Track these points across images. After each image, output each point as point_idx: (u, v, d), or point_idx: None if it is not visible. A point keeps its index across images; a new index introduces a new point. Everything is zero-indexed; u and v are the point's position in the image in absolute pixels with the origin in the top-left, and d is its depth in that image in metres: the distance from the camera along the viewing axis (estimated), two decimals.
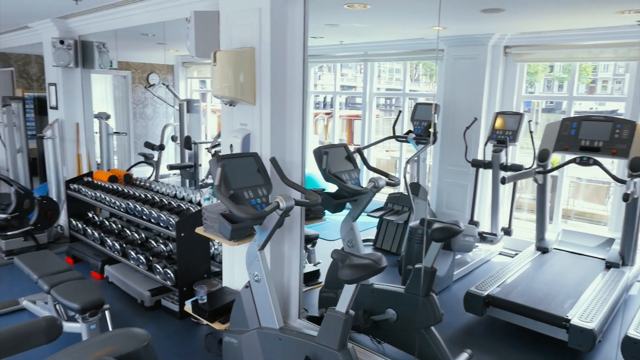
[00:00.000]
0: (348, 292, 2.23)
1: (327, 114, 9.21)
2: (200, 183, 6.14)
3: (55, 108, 5.80)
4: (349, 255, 2.26)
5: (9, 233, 5.06)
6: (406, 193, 4.94)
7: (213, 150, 6.33)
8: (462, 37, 5.09)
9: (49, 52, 5.48)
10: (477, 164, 4.85)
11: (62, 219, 5.58)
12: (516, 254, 4.54)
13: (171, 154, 7.64)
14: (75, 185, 5.05)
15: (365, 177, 5.86)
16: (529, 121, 4.64)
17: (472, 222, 4.84)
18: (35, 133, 7.18)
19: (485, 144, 4.88)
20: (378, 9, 3.98)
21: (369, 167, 3.45)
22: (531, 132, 4.58)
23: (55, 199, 5.59)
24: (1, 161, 8.01)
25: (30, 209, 5.30)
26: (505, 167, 4.63)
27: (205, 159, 6.59)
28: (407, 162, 4.82)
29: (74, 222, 4.99)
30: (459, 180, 5.32)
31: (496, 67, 5.11)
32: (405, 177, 4.70)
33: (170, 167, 6.23)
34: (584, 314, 3.16)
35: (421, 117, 5.13)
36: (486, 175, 4.99)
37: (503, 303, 3.42)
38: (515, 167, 4.58)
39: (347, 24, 4.84)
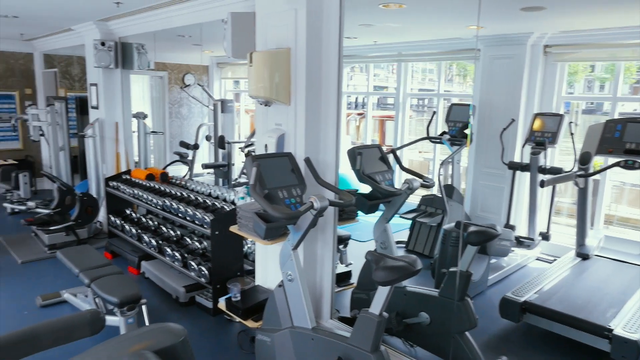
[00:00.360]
0: (382, 294, 2.21)
1: (359, 114, 9.18)
2: (233, 182, 6.23)
3: (96, 108, 5.99)
4: (384, 256, 2.24)
5: (51, 228, 5.26)
6: (440, 195, 4.86)
7: (246, 150, 6.41)
8: (500, 37, 4.98)
9: (91, 54, 5.66)
10: (514, 167, 4.73)
11: (102, 215, 5.76)
12: (554, 260, 4.40)
13: (205, 153, 7.79)
14: (114, 183, 5.20)
15: (398, 179, 5.81)
16: (570, 123, 4.49)
17: (508, 226, 4.72)
18: (77, 132, 7.44)
19: (523, 146, 4.76)
20: (414, 9, 3.94)
21: (403, 168, 3.41)
22: (572, 133, 4.43)
23: (95, 196, 5.77)
24: (45, 159, 8.35)
25: (72, 205, 5.49)
26: (543, 170, 4.50)
27: (238, 158, 6.67)
28: (442, 163, 4.75)
29: (112, 218, 5.14)
30: (495, 182, 5.20)
31: (535, 67, 4.97)
32: (439, 179, 4.63)
33: (205, 166, 6.33)
34: (628, 324, 3.04)
35: (456, 118, 5.04)
36: (523, 178, 4.86)
37: (541, 310, 3.32)
38: (555, 170, 4.44)
39: (382, 24, 4.81)
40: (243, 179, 6.47)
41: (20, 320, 3.72)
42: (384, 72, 8.68)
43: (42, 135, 7.22)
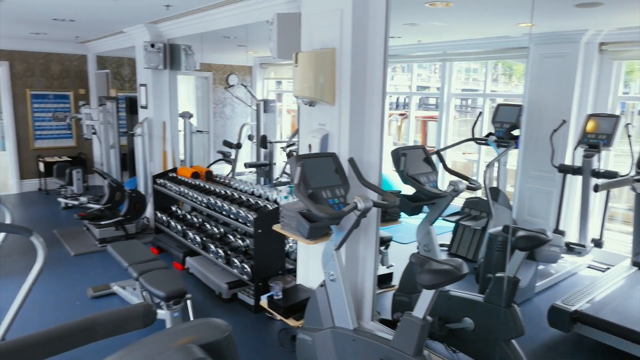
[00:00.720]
0: (426, 297, 2.17)
1: (401, 114, 9.08)
2: (274, 181, 6.29)
3: (145, 107, 6.19)
4: (428, 259, 2.20)
5: (102, 222, 5.48)
6: (485, 198, 4.73)
7: (288, 150, 6.47)
8: (552, 34, 4.79)
9: (141, 55, 5.86)
10: (565, 170, 4.54)
11: (149, 211, 5.95)
12: (608, 269, 4.20)
13: (247, 152, 7.91)
14: (161, 180, 5.36)
15: (442, 180, 5.70)
16: (627, 124, 4.27)
17: (558, 232, 4.54)
18: (127, 130, 7.73)
19: (575, 149, 4.56)
20: (461, 7, 3.86)
21: (448, 170, 3.35)
22: (629, 136, 4.21)
23: (143, 193, 5.98)
24: (96, 156, 8.72)
25: (121, 201, 5.71)
26: (597, 174, 4.30)
27: (279, 157, 6.74)
28: (488, 165, 4.62)
29: (159, 214, 5.31)
30: (543, 186, 5.01)
31: (589, 66, 4.75)
32: (485, 182, 4.51)
33: (247, 165, 6.43)
34: None
35: (503, 119, 4.89)
36: (574, 181, 4.66)
37: (593, 320, 3.17)
38: (610, 174, 4.23)
39: (427, 23, 4.74)
40: (284, 178, 6.53)
41: (73, 310, 3.89)
42: (426, 72, 8.55)
43: (94, 133, 7.54)
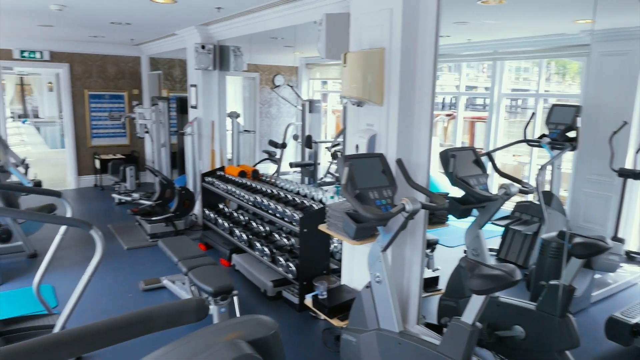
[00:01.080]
0: (476, 303, 2.12)
1: (447, 115, 8.89)
2: (318, 181, 6.32)
3: (195, 107, 6.37)
4: (479, 264, 2.14)
5: (153, 218, 5.68)
6: (537, 202, 4.56)
7: (332, 150, 6.48)
8: (613, 31, 4.55)
9: (192, 56, 6.03)
10: (625, 174, 4.30)
11: (197, 208, 6.12)
12: None
13: (291, 152, 7.98)
14: (209, 178, 5.50)
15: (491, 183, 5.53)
16: None
17: (617, 239, 4.31)
18: (177, 130, 7.98)
19: (637, 151, 4.31)
20: (515, 4, 3.73)
21: (499, 173, 3.25)
22: None
23: (192, 190, 6.15)
24: (148, 154, 9.05)
25: (171, 197, 5.89)
26: None
27: (324, 158, 6.76)
28: (541, 168, 4.44)
29: (206, 211, 5.44)
30: (601, 190, 4.77)
31: None
32: (537, 185, 4.34)
33: (292, 165, 6.48)
34: None
35: (558, 120, 4.69)
36: (635, 186, 4.41)
37: None
38: None
39: (479, 21, 4.62)
40: (328, 178, 6.55)
41: (126, 302, 4.05)
42: (474, 72, 8.33)
43: (147, 132, 7.83)
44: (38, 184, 5.86)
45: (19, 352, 1.04)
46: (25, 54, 7.88)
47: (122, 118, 8.62)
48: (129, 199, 7.05)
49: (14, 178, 5.54)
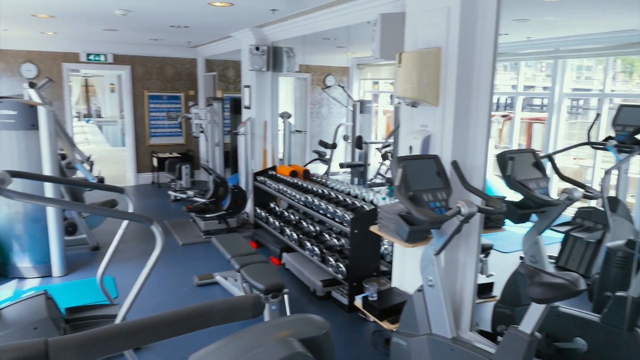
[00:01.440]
0: (536, 312, 2.03)
1: (503, 116, 8.60)
2: (368, 182, 6.28)
3: (248, 108, 6.50)
4: (540, 271, 2.05)
5: (207, 215, 5.85)
6: (601, 208, 4.31)
7: (383, 151, 6.42)
8: None
9: (246, 58, 6.16)
10: None
11: (249, 206, 6.24)
12: None
13: (341, 153, 7.98)
14: (261, 178, 5.60)
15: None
16: None
17: None
18: (230, 129, 8.17)
19: None
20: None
21: (562, 177, 3.10)
22: None
23: (244, 189, 6.28)
24: (202, 153, 9.33)
25: (224, 196, 6.05)
26: None
27: (374, 159, 6.71)
28: (606, 172, 4.21)
29: (258, 210, 5.54)
30: None
31: None
32: (603, 190, 4.11)
33: (342, 165, 6.48)
34: None
35: (626, 122, 4.42)
36: None
37: None
38: None
39: (539, 18, 4.43)
40: (378, 179, 6.50)
41: (181, 296, 4.20)
42: (531, 71, 8.01)
43: (202, 131, 8.07)
44: (101, 180, 6.17)
45: (91, 339, 1.09)
46: (91, 57, 8.34)
47: (178, 118, 8.94)
48: (184, 196, 7.31)
49: (79, 174, 5.87)
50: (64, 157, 5.52)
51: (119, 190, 3.09)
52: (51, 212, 4.47)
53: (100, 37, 7.40)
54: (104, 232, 5.54)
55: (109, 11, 4.95)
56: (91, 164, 5.87)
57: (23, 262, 4.52)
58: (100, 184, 4.30)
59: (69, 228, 5.27)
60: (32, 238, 4.50)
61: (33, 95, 5.57)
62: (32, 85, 5.68)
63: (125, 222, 3.02)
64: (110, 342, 1.13)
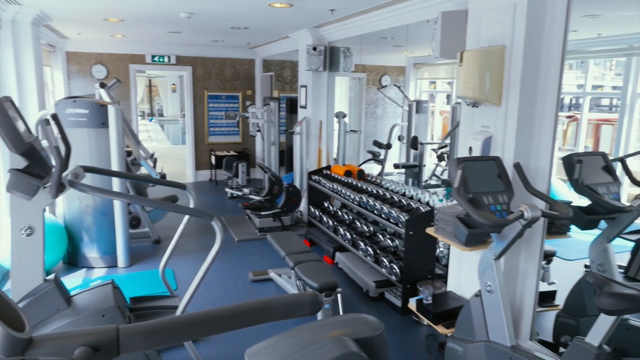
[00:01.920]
0: (604, 323, 1.92)
1: (568, 117, 8.18)
2: (423, 183, 6.18)
3: (304, 107, 6.57)
4: (610, 281, 1.94)
5: (262, 213, 5.97)
6: None
7: (439, 152, 6.29)
8: None
9: (303, 58, 6.22)
10: None
11: (303, 205, 6.31)
12: None
13: (395, 153, 7.89)
14: (316, 177, 5.64)
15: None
16: None
17: None
18: (286, 129, 8.29)
19: None
20: None
21: (634, 181, 2.91)
22: None
23: (298, 187, 6.36)
24: (258, 152, 9.54)
25: (279, 194, 6.15)
26: None
27: (429, 159, 6.59)
28: None
29: (312, 209, 5.59)
30: None
31: None
32: None
33: (396, 166, 6.41)
34: None
35: None
36: None
37: None
38: None
39: (613, 13, 4.18)
40: (433, 181, 6.38)
41: (236, 291, 4.31)
42: (599, 69, 7.57)
43: (258, 130, 8.25)
44: (164, 176, 6.45)
45: (157, 329, 1.15)
46: (156, 58, 8.74)
47: (236, 117, 9.18)
48: (240, 193, 7.50)
49: (142, 170, 6.17)
50: (129, 153, 5.82)
51: (182, 186, 3.22)
52: (118, 206, 4.73)
53: (164, 39, 7.74)
54: (164, 227, 5.80)
55: (174, 14, 5.16)
56: (155, 161, 6.15)
57: (91, 252, 4.81)
58: (163, 179, 4.50)
59: (133, 222, 5.55)
60: (100, 230, 4.78)
61: (103, 95, 5.92)
62: (102, 85, 6.04)
63: (186, 217, 3.14)
64: (175, 332, 1.19)
